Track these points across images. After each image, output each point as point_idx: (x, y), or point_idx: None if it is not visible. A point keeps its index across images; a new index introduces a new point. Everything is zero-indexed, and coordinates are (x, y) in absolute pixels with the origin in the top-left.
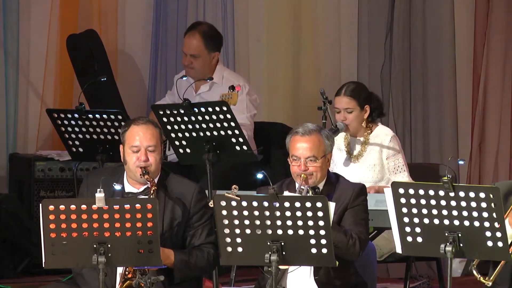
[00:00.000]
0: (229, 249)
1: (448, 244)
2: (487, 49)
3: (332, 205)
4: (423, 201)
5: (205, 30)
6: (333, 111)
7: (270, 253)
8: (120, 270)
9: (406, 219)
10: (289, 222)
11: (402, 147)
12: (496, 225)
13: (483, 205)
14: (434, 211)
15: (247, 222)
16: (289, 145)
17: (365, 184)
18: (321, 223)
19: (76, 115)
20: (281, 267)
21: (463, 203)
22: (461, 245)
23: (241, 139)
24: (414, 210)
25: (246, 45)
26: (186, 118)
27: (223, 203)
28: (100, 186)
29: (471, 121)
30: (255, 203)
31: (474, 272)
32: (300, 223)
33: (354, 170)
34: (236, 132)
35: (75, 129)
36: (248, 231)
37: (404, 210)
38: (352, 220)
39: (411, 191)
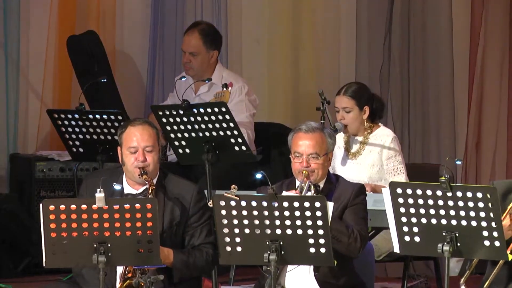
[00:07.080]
0: (228, 248)
1: (445, 243)
2: (483, 50)
3: (330, 205)
4: (420, 201)
5: (204, 28)
6: (333, 111)
7: (269, 252)
8: (120, 269)
9: (404, 219)
10: (287, 222)
11: (401, 147)
12: (493, 224)
13: (481, 205)
14: (432, 211)
15: (246, 221)
16: (291, 142)
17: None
18: (319, 222)
19: (76, 116)
20: None
21: (461, 203)
22: (459, 244)
23: (240, 140)
24: (412, 210)
25: (246, 46)
26: (185, 119)
27: (222, 203)
28: (100, 186)
29: (467, 121)
30: (254, 203)
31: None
32: (298, 222)
33: (351, 169)
34: (235, 132)
35: (76, 130)
36: (247, 230)
37: (402, 210)
38: (352, 218)
39: (409, 191)
